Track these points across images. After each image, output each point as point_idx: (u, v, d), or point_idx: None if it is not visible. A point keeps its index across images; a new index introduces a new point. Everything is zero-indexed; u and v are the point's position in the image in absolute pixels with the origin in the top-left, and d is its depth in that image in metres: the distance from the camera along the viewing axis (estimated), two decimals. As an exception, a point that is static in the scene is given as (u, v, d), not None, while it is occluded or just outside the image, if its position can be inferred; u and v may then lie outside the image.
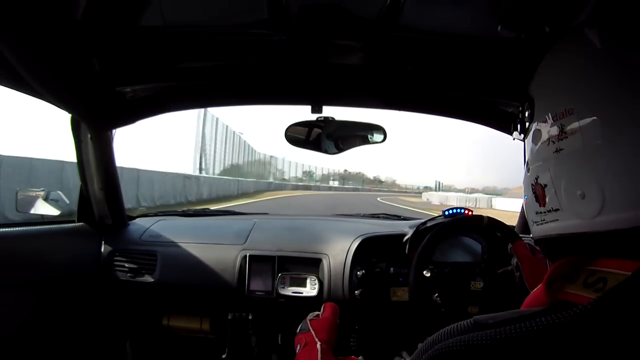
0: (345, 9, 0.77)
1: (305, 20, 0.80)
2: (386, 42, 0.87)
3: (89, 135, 1.19)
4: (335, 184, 52.67)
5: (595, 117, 0.36)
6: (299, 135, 1.21)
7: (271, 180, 32.30)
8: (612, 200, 0.35)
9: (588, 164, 0.37)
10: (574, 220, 0.39)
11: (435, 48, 0.90)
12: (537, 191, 0.42)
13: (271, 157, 37.14)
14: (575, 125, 0.38)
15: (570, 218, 0.39)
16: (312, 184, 43.08)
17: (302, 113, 1.18)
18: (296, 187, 35.38)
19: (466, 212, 1.12)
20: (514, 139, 0.49)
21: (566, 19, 0.70)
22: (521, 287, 0.80)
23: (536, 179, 0.42)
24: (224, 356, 1.31)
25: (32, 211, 1.22)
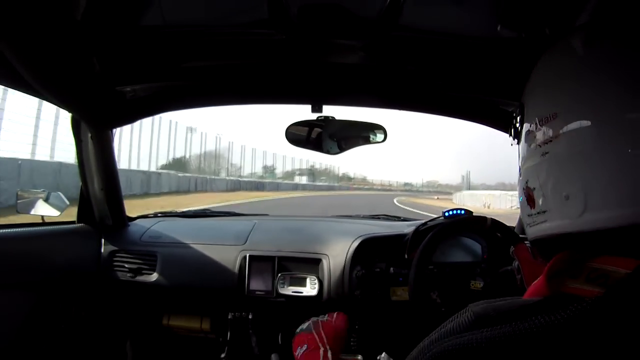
0: (345, 9, 0.77)
1: (305, 20, 0.80)
2: (386, 41, 0.87)
3: (89, 135, 1.19)
4: (303, 180, 39.84)
5: (577, 122, 0.38)
6: (299, 135, 1.21)
7: (192, 174, 19.57)
8: (594, 200, 0.36)
9: (571, 166, 0.38)
10: (560, 221, 0.40)
11: (435, 48, 0.90)
12: (527, 194, 0.44)
13: (191, 129, 22.33)
14: (559, 129, 0.39)
15: (557, 219, 0.40)
16: (267, 180, 31.06)
17: (302, 112, 1.18)
18: (234, 188, 22.65)
19: (466, 213, 1.13)
20: (512, 138, 0.50)
21: (566, 19, 0.70)
22: (521, 290, 0.80)
23: (526, 182, 0.44)
24: (222, 355, 1.31)
25: (32, 212, 1.22)
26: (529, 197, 0.43)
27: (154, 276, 1.25)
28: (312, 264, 1.21)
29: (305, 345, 0.81)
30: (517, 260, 0.89)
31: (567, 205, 0.38)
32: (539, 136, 0.41)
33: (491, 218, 1.04)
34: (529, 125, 0.43)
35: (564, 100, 0.39)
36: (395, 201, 20.11)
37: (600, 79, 0.37)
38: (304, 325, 0.88)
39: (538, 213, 0.42)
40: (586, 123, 0.37)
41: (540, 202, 0.42)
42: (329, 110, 1.17)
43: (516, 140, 0.48)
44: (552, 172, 0.40)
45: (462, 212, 1.13)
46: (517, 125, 0.46)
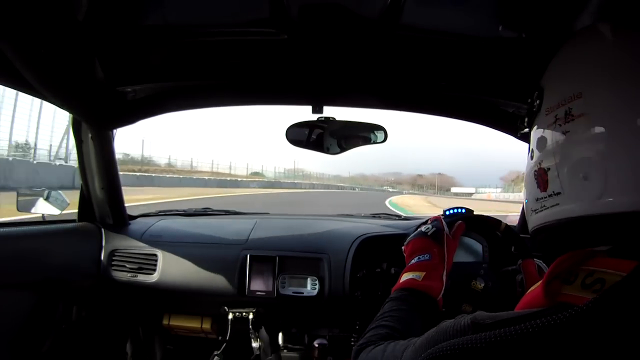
0: (346, 9, 0.77)
1: (306, 20, 0.80)
2: (387, 41, 0.87)
3: (90, 135, 1.19)
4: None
5: (602, 102, 0.38)
6: (300, 136, 1.21)
7: None
8: (615, 182, 0.36)
9: (593, 146, 0.38)
10: (575, 203, 0.39)
11: (436, 48, 0.90)
12: (539, 176, 0.43)
13: None
14: (582, 108, 0.39)
15: (571, 201, 0.40)
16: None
17: (303, 113, 1.18)
18: None
19: (466, 211, 1.12)
20: (518, 136, 0.49)
21: (567, 19, 0.70)
22: (521, 296, 0.80)
23: (540, 162, 0.43)
24: (216, 352, 1.30)
25: (33, 210, 1.22)
26: (540, 180, 0.43)
27: (155, 276, 1.25)
28: (312, 264, 1.21)
29: (428, 255, 0.70)
30: (522, 273, 0.89)
31: (585, 186, 0.38)
32: (561, 115, 0.41)
33: (505, 223, 1.03)
34: (549, 104, 0.43)
35: (590, 80, 0.39)
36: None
37: (628, 63, 0.37)
38: (428, 228, 0.76)
39: (549, 196, 0.42)
40: (611, 103, 0.37)
41: (555, 183, 0.41)
42: (329, 111, 1.17)
43: (528, 125, 0.48)
44: (571, 151, 0.39)
45: (463, 211, 1.12)
46: (534, 107, 0.46)
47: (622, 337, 0.28)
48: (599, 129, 0.37)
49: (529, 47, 0.81)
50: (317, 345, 1.14)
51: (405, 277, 0.69)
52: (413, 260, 0.72)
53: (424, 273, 0.67)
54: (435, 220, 0.79)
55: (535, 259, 0.93)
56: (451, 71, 1.00)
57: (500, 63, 0.92)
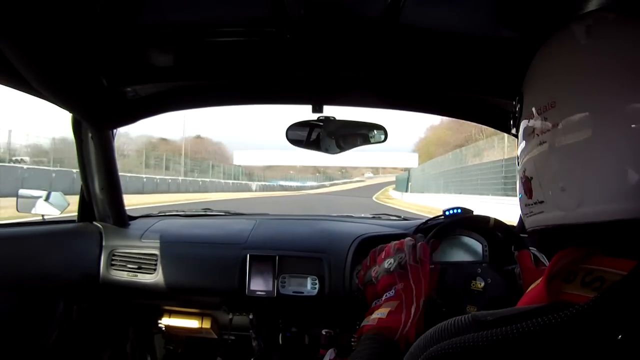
0: (347, 8, 0.77)
1: (305, 19, 0.80)
2: (387, 41, 0.88)
3: (90, 135, 1.19)
4: None
5: (575, 111, 0.37)
6: (299, 136, 1.21)
7: None
8: (591, 193, 0.36)
9: (568, 157, 0.37)
10: (555, 212, 0.39)
11: (436, 47, 0.90)
12: (524, 184, 0.44)
13: None
14: (557, 118, 0.38)
15: (553, 210, 0.40)
16: None
17: (303, 113, 1.18)
18: None
19: (464, 211, 1.13)
20: (513, 135, 0.49)
21: (567, 18, 0.70)
22: (522, 293, 0.80)
23: (524, 171, 0.43)
24: (219, 354, 1.30)
25: (33, 211, 1.23)
26: (526, 187, 0.43)
27: (155, 276, 1.25)
28: (312, 264, 1.21)
29: (393, 292, 0.70)
30: (518, 266, 0.89)
31: (563, 196, 0.38)
32: (537, 125, 0.40)
33: (494, 218, 1.03)
34: (527, 114, 0.43)
35: (563, 89, 0.39)
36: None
37: (601, 69, 0.36)
38: (390, 263, 0.72)
39: (535, 203, 0.42)
40: (585, 113, 0.36)
41: (537, 191, 0.41)
42: (329, 111, 1.17)
43: (515, 129, 0.47)
44: (549, 162, 0.39)
45: (460, 210, 1.13)
46: (517, 114, 0.46)
47: (624, 335, 0.28)
48: (573, 139, 0.37)
49: (528, 46, 0.81)
50: (324, 333, 1.14)
51: (373, 315, 0.70)
52: (383, 298, 0.73)
53: (389, 309, 0.69)
54: (399, 250, 0.76)
55: (530, 248, 0.93)
56: (451, 70, 1.00)
57: (500, 62, 0.92)
